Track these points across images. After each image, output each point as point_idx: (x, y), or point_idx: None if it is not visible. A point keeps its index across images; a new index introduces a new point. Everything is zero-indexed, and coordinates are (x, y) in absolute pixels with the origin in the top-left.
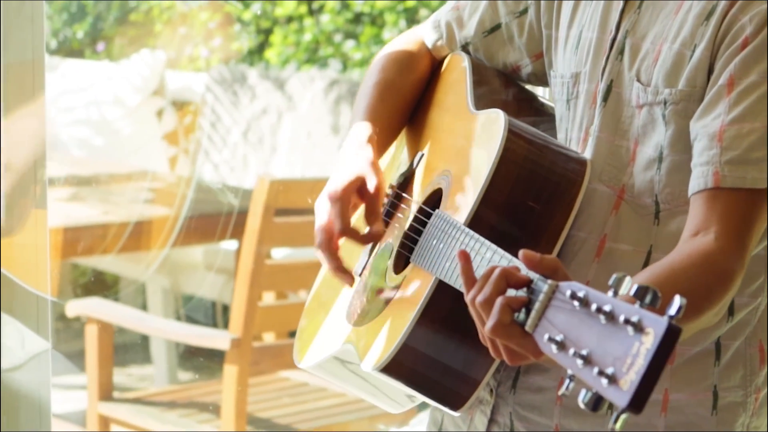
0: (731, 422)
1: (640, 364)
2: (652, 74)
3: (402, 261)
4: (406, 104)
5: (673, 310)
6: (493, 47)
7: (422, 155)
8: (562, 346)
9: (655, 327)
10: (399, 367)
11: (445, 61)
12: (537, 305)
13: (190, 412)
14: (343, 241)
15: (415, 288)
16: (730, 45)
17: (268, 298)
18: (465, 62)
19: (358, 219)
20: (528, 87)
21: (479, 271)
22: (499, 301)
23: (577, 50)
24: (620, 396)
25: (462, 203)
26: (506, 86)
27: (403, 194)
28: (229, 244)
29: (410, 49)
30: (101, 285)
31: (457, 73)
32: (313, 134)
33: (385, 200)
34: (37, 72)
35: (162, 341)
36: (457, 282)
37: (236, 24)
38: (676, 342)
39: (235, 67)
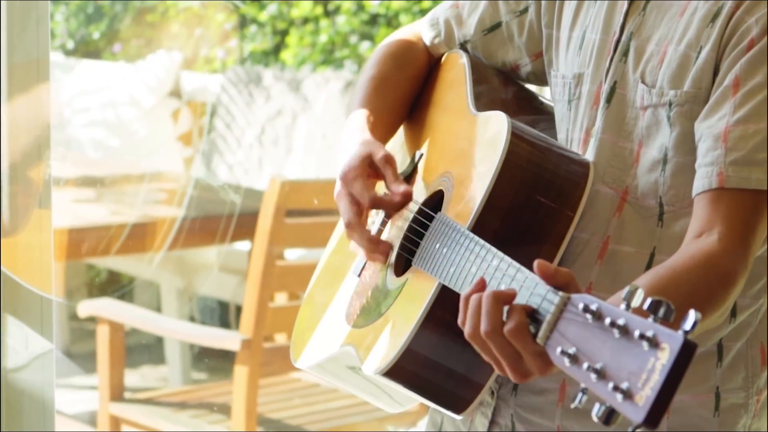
0: (733, 424)
1: (656, 379)
2: (657, 76)
3: (402, 262)
4: (402, 99)
5: (688, 325)
6: (492, 46)
7: (421, 155)
8: (575, 359)
9: (671, 342)
10: (402, 371)
11: (443, 59)
12: (549, 317)
13: (201, 413)
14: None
15: (418, 291)
16: (735, 46)
17: (281, 299)
18: (464, 61)
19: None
20: (527, 86)
21: (485, 278)
22: (515, 309)
23: (580, 51)
24: (636, 411)
25: (465, 207)
26: (505, 85)
27: None
28: (243, 245)
29: (407, 45)
30: (116, 285)
31: (456, 72)
32: (327, 135)
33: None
34: (41, 72)
35: (176, 342)
36: (461, 288)
37: (252, 25)
38: (692, 358)
39: (251, 68)
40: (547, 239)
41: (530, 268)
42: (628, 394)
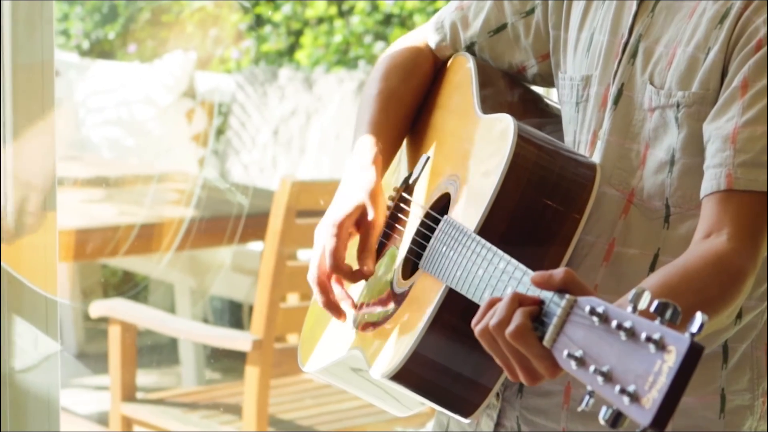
0: (739, 425)
1: (663, 382)
2: (665, 77)
3: (409, 266)
4: (409, 112)
5: (695, 328)
6: (498, 47)
7: (428, 158)
8: (581, 362)
9: (678, 345)
10: (409, 375)
11: (450, 62)
12: (555, 320)
13: (213, 413)
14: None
15: (425, 295)
16: (744, 47)
17: (293, 299)
18: (470, 63)
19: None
20: (533, 88)
21: (491, 281)
22: (519, 310)
23: (588, 53)
24: (643, 414)
25: (471, 210)
26: (512, 87)
27: (409, 197)
28: (256, 246)
29: (413, 53)
30: (127, 286)
31: (462, 75)
32: (341, 136)
33: (390, 203)
34: (46, 74)
35: (190, 342)
36: (468, 291)
37: (266, 25)
38: (699, 360)
39: (265, 68)
40: (554, 241)
41: (537, 270)
42: (635, 397)
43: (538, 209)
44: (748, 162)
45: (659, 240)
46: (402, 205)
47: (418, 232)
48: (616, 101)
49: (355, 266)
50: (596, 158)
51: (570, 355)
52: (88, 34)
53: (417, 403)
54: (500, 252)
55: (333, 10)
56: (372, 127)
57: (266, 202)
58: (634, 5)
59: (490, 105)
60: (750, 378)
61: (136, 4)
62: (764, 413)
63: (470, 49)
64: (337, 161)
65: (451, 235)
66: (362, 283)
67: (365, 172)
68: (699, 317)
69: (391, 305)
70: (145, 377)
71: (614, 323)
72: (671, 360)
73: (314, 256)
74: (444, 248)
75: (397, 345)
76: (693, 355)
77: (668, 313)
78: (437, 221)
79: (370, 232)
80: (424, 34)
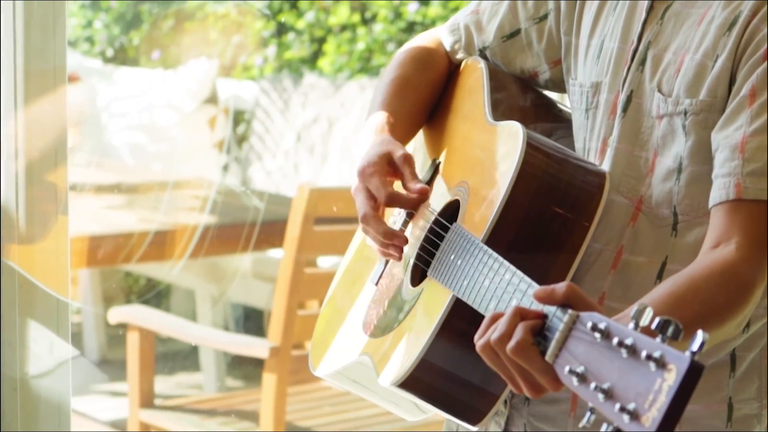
0: None
1: (662, 401)
2: (673, 85)
3: (418, 272)
4: (422, 102)
5: (695, 346)
6: (511, 53)
7: (438, 163)
8: (583, 378)
9: (678, 364)
10: (417, 382)
11: (462, 66)
12: (557, 335)
13: (230, 420)
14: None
15: (433, 303)
16: (752, 56)
17: (312, 306)
18: (482, 68)
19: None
20: (546, 93)
21: (497, 292)
22: (520, 325)
23: (598, 60)
24: None
25: (480, 218)
26: (524, 92)
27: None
28: (277, 253)
29: (428, 50)
30: (142, 292)
31: (474, 80)
32: None
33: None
34: (58, 79)
35: (211, 350)
36: (474, 301)
37: (290, 33)
38: (699, 378)
39: (288, 76)
40: (563, 250)
41: (546, 279)
42: (635, 415)
43: (546, 218)
44: (757, 171)
45: (667, 248)
46: (411, 210)
47: (426, 239)
48: (625, 108)
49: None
50: (606, 166)
51: (571, 371)
52: (112, 41)
53: (428, 409)
54: (506, 263)
55: (356, 17)
56: (384, 107)
57: (285, 208)
58: (643, 13)
59: (502, 110)
60: (758, 387)
61: (160, 11)
62: None
63: (483, 53)
64: None
65: (459, 243)
66: (372, 288)
67: (381, 132)
68: (700, 336)
69: (400, 312)
70: (166, 384)
71: (616, 340)
72: (671, 379)
73: (359, 205)
74: (452, 256)
75: (404, 353)
76: (693, 374)
77: (670, 330)
78: (446, 228)
79: (406, 166)
80: (440, 36)
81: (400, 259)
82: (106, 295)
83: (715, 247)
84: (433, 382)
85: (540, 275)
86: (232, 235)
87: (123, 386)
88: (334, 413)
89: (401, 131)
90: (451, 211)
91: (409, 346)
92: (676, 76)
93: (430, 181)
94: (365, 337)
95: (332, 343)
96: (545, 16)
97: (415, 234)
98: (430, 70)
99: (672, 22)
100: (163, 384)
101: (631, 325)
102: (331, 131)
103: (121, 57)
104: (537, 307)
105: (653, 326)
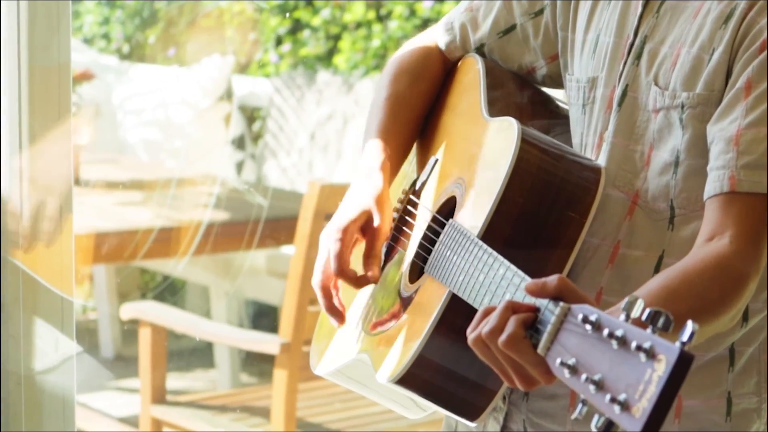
0: (745, 428)
1: (652, 391)
2: (670, 78)
3: (416, 270)
4: (418, 116)
5: (685, 336)
6: (508, 49)
7: (436, 160)
8: (574, 370)
9: (667, 354)
10: (414, 379)
11: (459, 64)
12: (549, 327)
13: (242, 416)
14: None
15: (430, 300)
16: (748, 48)
17: None
18: (479, 65)
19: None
20: (543, 89)
21: (491, 287)
22: (512, 318)
23: (594, 55)
24: (633, 423)
25: (476, 214)
26: (521, 89)
27: (417, 201)
28: (291, 250)
29: (422, 55)
30: (169, 289)
31: (471, 77)
32: None
33: (399, 206)
34: (63, 77)
35: (225, 347)
36: (469, 297)
37: (305, 30)
38: (689, 369)
39: (303, 73)
40: (559, 245)
41: (542, 274)
42: (625, 406)
43: (542, 213)
44: (752, 164)
45: (664, 242)
46: (410, 208)
47: (424, 236)
48: (620, 103)
49: (360, 272)
50: (601, 160)
51: (563, 363)
52: (128, 38)
53: (428, 406)
54: (500, 257)
55: (371, 14)
56: (380, 132)
57: (296, 205)
58: (639, 6)
59: (499, 107)
60: (757, 381)
61: (175, 7)
62: None
63: (480, 50)
64: None
65: (455, 239)
66: (371, 286)
67: (372, 178)
68: (690, 326)
69: (398, 309)
70: (181, 381)
71: (606, 331)
72: (661, 369)
73: (319, 261)
74: (449, 252)
75: (402, 349)
76: (683, 365)
77: (660, 321)
78: (443, 225)
79: (375, 238)
80: (434, 36)
81: (341, 325)
82: (121, 292)
83: (709, 240)
84: (431, 379)
85: (536, 270)
86: (241, 232)
87: (137, 382)
88: (345, 410)
89: (397, 155)
90: (449, 207)
91: (406, 343)
92: (672, 69)
93: (428, 178)
94: (364, 335)
95: (332, 341)
96: (541, 11)
97: (414, 231)
98: (423, 79)
99: (668, 16)
100: (178, 380)
101: (622, 316)
102: (346, 129)
103: (137, 54)
104: (530, 300)
105: (644, 317)
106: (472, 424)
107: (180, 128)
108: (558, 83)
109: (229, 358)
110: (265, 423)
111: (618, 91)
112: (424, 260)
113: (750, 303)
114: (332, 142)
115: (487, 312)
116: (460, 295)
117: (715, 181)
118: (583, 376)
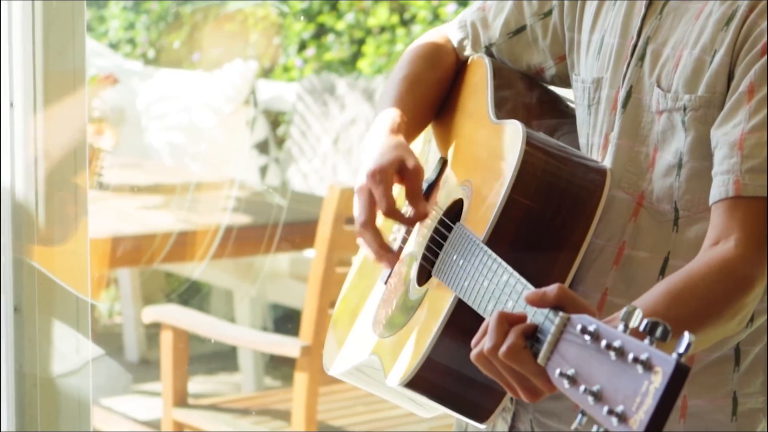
0: (752, 428)
1: (649, 403)
2: (672, 80)
3: (425, 272)
4: (432, 98)
5: (682, 348)
6: (517, 49)
7: (444, 161)
8: (573, 381)
9: (664, 366)
10: (423, 381)
11: (468, 64)
12: (549, 338)
13: (263, 419)
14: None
15: (437, 303)
16: (749, 51)
17: None
18: (487, 66)
19: (398, 199)
20: (552, 88)
21: (495, 293)
22: (513, 329)
23: (599, 56)
24: None
25: (481, 217)
26: (530, 89)
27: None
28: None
29: (437, 47)
30: (193, 293)
31: (479, 77)
32: None
33: (408, 208)
34: (78, 81)
35: (249, 350)
36: (474, 302)
37: (329, 34)
38: (685, 380)
39: (325, 77)
40: (565, 247)
41: (548, 277)
42: (622, 418)
43: (547, 216)
44: (756, 168)
45: (669, 243)
46: None
47: (432, 239)
48: (624, 104)
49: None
50: (607, 162)
51: (562, 374)
52: (153, 43)
53: (436, 407)
54: (504, 263)
55: (395, 19)
56: (396, 104)
57: (318, 208)
58: (642, 7)
59: (508, 108)
60: (763, 381)
61: (200, 12)
62: None
63: (489, 50)
64: None
65: (461, 243)
66: (382, 287)
67: (394, 134)
68: (686, 337)
69: (407, 312)
70: (205, 384)
71: (604, 342)
72: (657, 381)
73: (361, 205)
74: (455, 256)
75: (410, 352)
76: (679, 376)
77: (658, 332)
78: (450, 228)
79: (414, 179)
80: (448, 32)
81: (392, 265)
82: (147, 296)
83: (714, 244)
84: (439, 382)
85: (542, 273)
86: (260, 235)
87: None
88: (367, 413)
89: (412, 130)
90: (456, 210)
91: (415, 346)
92: (674, 71)
93: (437, 179)
94: (375, 337)
95: (345, 342)
96: (549, 12)
97: (422, 233)
98: (438, 67)
99: (671, 17)
100: (203, 384)
101: (621, 326)
102: (369, 133)
103: (163, 59)
104: (531, 308)
105: (641, 328)
106: (481, 426)
107: (203, 133)
108: (567, 83)
109: (253, 362)
110: (286, 426)
111: (622, 93)
112: (432, 263)
113: None
114: (355, 146)
115: (486, 327)
116: (465, 299)
117: (719, 186)
118: (582, 387)
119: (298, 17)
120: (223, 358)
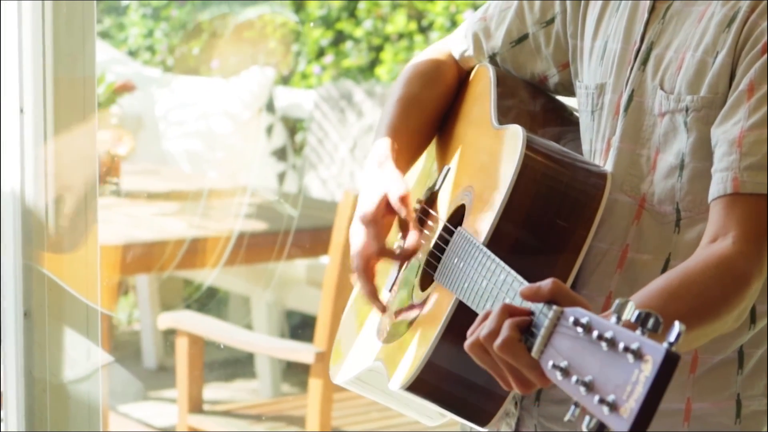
0: (755, 430)
1: (639, 392)
2: (675, 82)
3: (428, 278)
4: (430, 119)
5: (672, 337)
6: (520, 58)
7: (449, 169)
8: (566, 372)
9: (654, 354)
10: (424, 385)
11: (473, 73)
12: (543, 331)
13: (278, 425)
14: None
15: (438, 307)
16: (750, 50)
17: None
18: (490, 74)
19: (393, 234)
20: (557, 98)
21: (493, 292)
22: (506, 322)
23: (602, 61)
24: (621, 424)
25: (482, 221)
26: (534, 97)
27: (430, 210)
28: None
29: (436, 62)
30: (210, 300)
31: (483, 86)
32: None
33: (413, 215)
34: (88, 88)
35: (266, 357)
36: (473, 302)
37: (348, 41)
38: (675, 369)
39: (343, 85)
40: (564, 250)
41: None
42: (613, 407)
43: (547, 220)
44: (755, 165)
45: (670, 245)
46: (423, 216)
47: (435, 245)
48: (626, 108)
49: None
50: (609, 166)
51: (555, 366)
52: (172, 50)
53: (439, 414)
54: (502, 263)
55: (413, 26)
56: (390, 131)
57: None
58: (645, 12)
59: (512, 115)
60: (766, 383)
61: (219, 19)
62: None
63: (493, 59)
64: None
65: (462, 247)
66: (386, 295)
67: (383, 165)
68: (677, 326)
69: (410, 317)
70: (222, 391)
71: (596, 333)
72: (648, 369)
73: (354, 250)
74: (456, 260)
75: (411, 357)
76: (669, 365)
77: (650, 323)
78: (452, 233)
79: (401, 209)
80: (449, 45)
81: (383, 312)
82: (164, 302)
83: (712, 241)
84: (441, 385)
85: (542, 276)
86: (272, 242)
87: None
88: (382, 419)
89: (407, 153)
90: (459, 215)
91: (416, 350)
92: (677, 73)
93: (441, 187)
94: (379, 343)
95: (351, 350)
96: (552, 20)
97: (426, 240)
98: (436, 84)
99: (674, 21)
100: (220, 391)
101: (613, 318)
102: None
103: (182, 66)
104: (526, 304)
105: (633, 319)
106: (483, 430)
107: (221, 140)
108: (570, 91)
109: (270, 369)
110: None
111: (624, 97)
112: (435, 268)
113: (757, 305)
114: None
115: (485, 317)
116: (465, 301)
117: (718, 183)
118: (574, 378)
119: (318, 25)
120: (240, 366)
